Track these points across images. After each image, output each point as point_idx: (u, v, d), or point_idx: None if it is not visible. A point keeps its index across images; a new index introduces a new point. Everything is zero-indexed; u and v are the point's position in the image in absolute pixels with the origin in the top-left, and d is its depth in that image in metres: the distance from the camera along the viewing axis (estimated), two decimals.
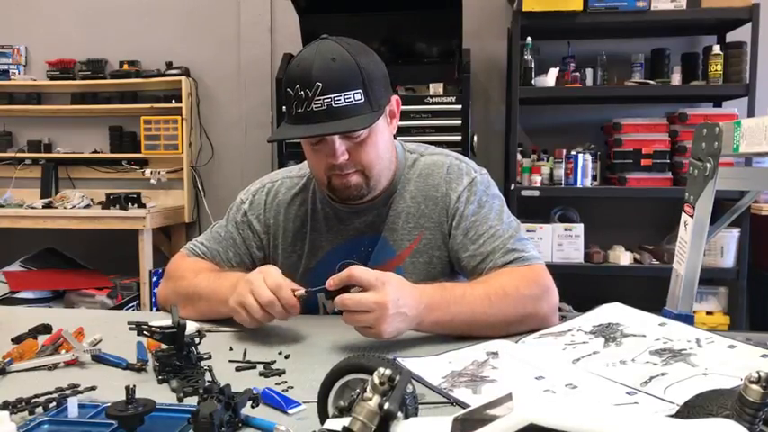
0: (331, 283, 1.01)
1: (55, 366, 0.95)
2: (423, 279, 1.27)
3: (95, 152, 3.87)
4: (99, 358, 0.96)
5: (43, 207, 3.47)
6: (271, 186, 1.38)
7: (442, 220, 1.28)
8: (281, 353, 1.01)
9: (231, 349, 1.04)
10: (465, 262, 1.24)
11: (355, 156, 1.19)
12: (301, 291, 1.05)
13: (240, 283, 1.08)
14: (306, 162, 1.37)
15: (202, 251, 1.36)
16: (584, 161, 3.15)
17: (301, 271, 1.33)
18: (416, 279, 1.26)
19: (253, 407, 0.76)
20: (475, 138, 3.16)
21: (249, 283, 1.06)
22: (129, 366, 0.94)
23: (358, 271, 1.00)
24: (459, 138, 2.96)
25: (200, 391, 0.71)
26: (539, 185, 3.16)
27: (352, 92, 1.13)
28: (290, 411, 0.78)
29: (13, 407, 0.77)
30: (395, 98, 1.27)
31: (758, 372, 0.50)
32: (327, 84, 1.11)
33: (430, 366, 0.93)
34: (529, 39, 3.08)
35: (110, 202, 3.42)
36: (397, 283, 1.02)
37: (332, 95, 1.11)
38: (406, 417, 0.57)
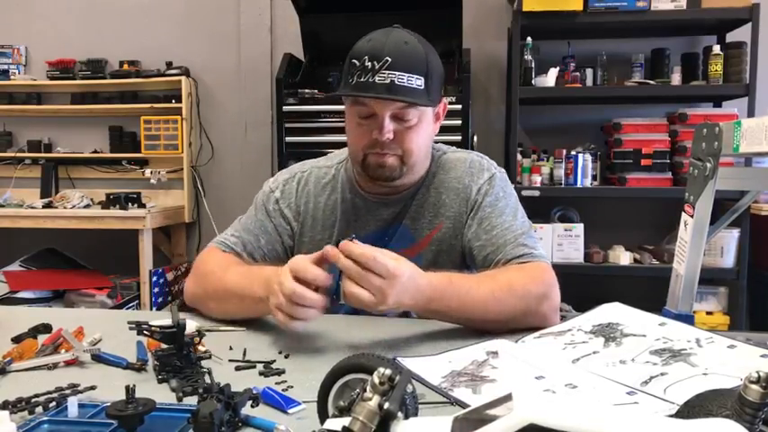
0: (344, 252, 0.97)
1: (55, 366, 0.94)
2: (440, 268, 1.28)
3: (95, 152, 3.87)
4: (99, 358, 0.96)
5: (43, 207, 3.47)
6: (301, 176, 1.40)
7: (461, 210, 1.31)
8: (280, 352, 1.01)
9: (231, 349, 1.04)
10: (476, 251, 1.27)
11: (399, 139, 1.22)
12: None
13: (273, 284, 1.03)
14: (333, 153, 1.43)
15: (233, 242, 1.33)
16: (584, 161, 3.15)
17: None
18: (434, 268, 1.28)
19: (253, 406, 0.76)
20: (475, 138, 3.15)
21: (279, 285, 1.00)
22: (128, 366, 0.94)
23: (380, 256, 0.97)
24: (459, 138, 2.96)
25: (200, 390, 0.71)
26: (539, 185, 3.16)
27: (415, 76, 1.18)
28: (289, 411, 0.78)
29: (12, 406, 0.77)
30: (444, 102, 1.33)
31: (758, 372, 0.50)
32: (396, 60, 1.16)
33: (430, 366, 0.93)
34: (529, 39, 3.08)
35: (110, 201, 3.41)
36: (412, 265, 1.02)
37: (397, 72, 1.16)
38: (406, 417, 0.57)
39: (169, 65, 3.72)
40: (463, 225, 1.31)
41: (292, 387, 0.86)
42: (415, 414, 0.62)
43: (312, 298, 0.98)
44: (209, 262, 1.29)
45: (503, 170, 1.37)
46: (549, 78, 3.12)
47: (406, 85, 1.17)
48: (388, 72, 1.16)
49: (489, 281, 1.13)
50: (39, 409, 0.77)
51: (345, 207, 1.35)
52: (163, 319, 0.93)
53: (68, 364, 0.96)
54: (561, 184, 3.19)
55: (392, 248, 1.27)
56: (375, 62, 1.16)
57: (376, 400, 0.51)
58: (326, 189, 1.38)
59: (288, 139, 3.15)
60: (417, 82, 1.18)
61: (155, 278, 3.41)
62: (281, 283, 0.99)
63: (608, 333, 0.99)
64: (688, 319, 1.15)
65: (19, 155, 3.87)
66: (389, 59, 1.16)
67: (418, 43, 1.21)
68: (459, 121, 2.99)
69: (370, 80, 1.16)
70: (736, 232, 3.00)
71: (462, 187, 1.32)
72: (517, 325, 1.10)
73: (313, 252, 1.30)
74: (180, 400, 0.82)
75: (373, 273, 0.96)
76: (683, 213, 1.21)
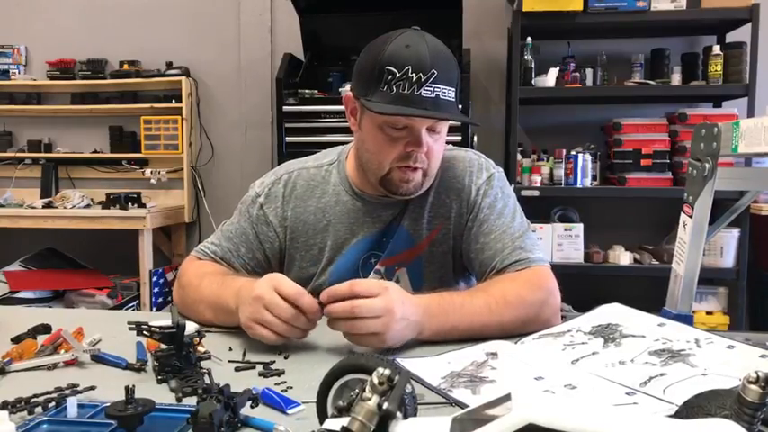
0: (325, 297, 0.99)
1: (54, 366, 0.95)
2: (440, 269, 1.30)
3: (95, 152, 3.88)
4: (98, 358, 0.96)
5: (43, 207, 3.47)
6: (288, 178, 1.34)
7: (462, 211, 1.28)
8: (280, 353, 1.01)
9: (231, 349, 1.04)
10: (474, 254, 1.25)
11: (428, 152, 1.19)
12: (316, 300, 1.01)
13: (246, 298, 1.02)
14: (321, 153, 1.38)
15: (212, 251, 1.32)
16: (584, 161, 3.15)
17: (323, 264, 1.31)
18: (434, 269, 1.29)
19: (252, 407, 0.76)
20: (475, 138, 3.16)
21: (260, 299, 0.99)
22: (128, 366, 0.94)
23: (359, 286, 0.99)
24: (459, 138, 2.96)
25: (200, 391, 0.71)
26: (539, 185, 3.16)
27: (452, 89, 1.14)
28: (289, 411, 0.78)
29: (12, 407, 0.77)
30: None
31: (757, 372, 0.50)
32: (441, 74, 1.11)
33: (429, 367, 0.93)
34: (529, 39, 3.09)
35: (110, 201, 3.42)
36: (398, 288, 1.02)
37: (441, 86, 1.12)
38: (405, 417, 0.57)
39: (169, 65, 3.72)
40: (463, 226, 1.28)
41: (292, 387, 0.86)
42: (415, 414, 0.62)
43: (305, 322, 1.01)
44: (188, 272, 1.28)
45: (500, 169, 1.34)
46: (549, 78, 3.12)
47: (448, 99, 1.13)
48: (434, 86, 1.10)
49: (482, 294, 1.12)
50: (38, 410, 0.77)
51: (342, 209, 1.30)
52: (162, 319, 0.93)
53: (68, 364, 0.96)
54: (561, 184, 3.19)
55: (391, 250, 1.28)
56: (421, 74, 1.10)
57: (375, 400, 0.51)
58: (316, 192, 1.32)
59: (288, 139, 3.15)
60: (452, 94, 1.14)
61: (155, 278, 3.41)
62: (278, 305, 0.98)
63: (607, 334, 0.99)
64: (687, 319, 1.15)
65: (19, 155, 3.87)
66: (435, 72, 1.10)
67: (450, 53, 1.16)
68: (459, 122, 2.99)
69: (416, 93, 1.10)
70: (735, 232, 3.00)
71: (462, 187, 1.29)
72: (519, 332, 1.09)
73: (306, 258, 1.31)
74: (179, 400, 0.82)
75: (370, 318, 0.97)
76: (682, 213, 1.21)
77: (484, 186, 1.28)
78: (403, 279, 1.30)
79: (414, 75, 1.10)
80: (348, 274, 1.27)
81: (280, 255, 1.34)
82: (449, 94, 1.13)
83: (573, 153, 3.17)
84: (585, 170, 3.15)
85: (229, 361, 0.98)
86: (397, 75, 1.11)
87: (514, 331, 1.09)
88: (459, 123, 2.98)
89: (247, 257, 1.32)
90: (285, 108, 3.16)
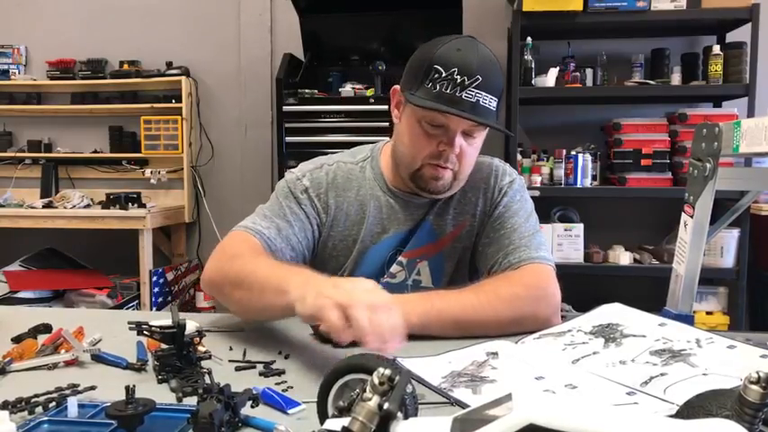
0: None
1: (55, 366, 0.95)
2: (459, 264, 1.35)
3: (95, 152, 3.87)
4: (99, 358, 0.96)
5: (43, 207, 3.47)
6: (329, 168, 1.36)
7: (486, 208, 1.34)
8: (280, 353, 1.01)
9: (231, 349, 1.04)
10: (482, 248, 1.31)
11: (461, 155, 1.22)
12: None
13: (333, 282, 0.91)
14: (356, 149, 1.41)
15: (265, 227, 1.23)
16: (584, 161, 3.15)
17: (354, 256, 1.33)
18: (454, 264, 1.35)
19: (252, 407, 0.76)
20: None
21: (353, 292, 0.87)
22: (128, 366, 0.94)
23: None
24: None
25: (200, 390, 0.71)
26: (539, 185, 3.16)
27: (495, 98, 1.18)
28: (289, 411, 0.78)
29: (12, 406, 0.77)
30: None
31: (758, 372, 0.50)
32: (485, 81, 1.15)
33: (430, 366, 0.93)
34: (529, 39, 3.08)
35: (110, 201, 3.41)
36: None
37: (483, 93, 1.15)
38: (406, 417, 0.57)
39: (169, 65, 3.72)
40: (484, 224, 1.33)
41: (292, 387, 0.86)
42: (415, 414, 0.62)
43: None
44: (238, 245, 1.20)
45: (522, 178, 1.40)
46: (549, 78, 3.12)
47: (487, 106, 1.16)
48: (476, 91, 1.14)
49: (472, 288, 1.16)
50: (39, 409, 0.77)
51: (377, 204, 1.33)
52: (163, 319, 0.93)
53: (68, 364, 0.96)
54: (561, 184, 3.19)
55: (414, 243, 1.33)
56: (465, 78, 1.14)
57: (376, 400, 0.51)
58: (354, 185, 1.35)
59: (288, 139, 3.16)
60: (493, 104, 1.18)
61: (155, 278, 3.41)
62: (356, 307, 0.84)
63: (608, 334, 0.99)
64: (688, 319, 1.15)
65: (19, 155, 3.87)
66: (480, 78, 1.14)
67: (498, 65, 1.21)
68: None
69: (458, 95, 1.14)
70: (736, 232, 3.00)
71: (487, 187, 1.34)
72: (515, 330, 1.09)
73: (338, 247, 1.33)
74: (180, 400, 0.82)
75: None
76: (682, 213, 1.21)
77: (505, 188, 1.34)
78: (424, 272, 1.34)
79: (459, 77, 1.14)
80: (376, 268, 1.32)
81: (318, 241, 1.33)
82: (490, 102, 1.17)
83: (573, 153, 3.17)
84: (585, 170, 3.15)
85: (230, 360, 0.98)
86: (443, 74, 1.15)
87: (512, 328, 1.10)
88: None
89: (300, 236, 1.28)
90: (285, 108, 3.16)
